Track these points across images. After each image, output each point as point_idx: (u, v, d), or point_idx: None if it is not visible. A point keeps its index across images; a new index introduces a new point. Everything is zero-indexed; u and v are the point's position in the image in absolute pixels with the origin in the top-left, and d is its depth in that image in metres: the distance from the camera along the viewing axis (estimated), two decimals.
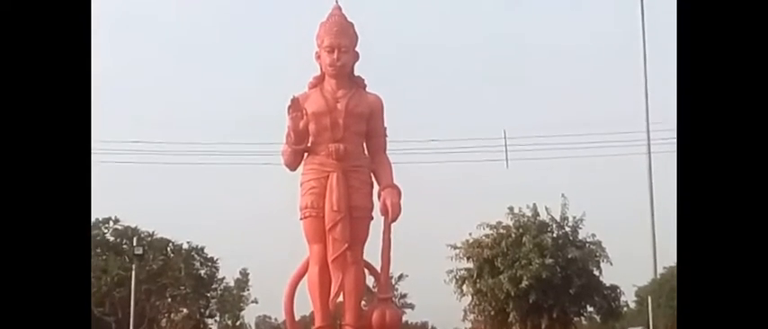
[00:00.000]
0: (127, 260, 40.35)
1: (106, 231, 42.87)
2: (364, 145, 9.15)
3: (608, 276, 35.05)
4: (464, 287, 35.34)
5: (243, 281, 48.43)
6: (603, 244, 34.64)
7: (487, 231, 34.91)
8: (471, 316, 36.76)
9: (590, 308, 35.66)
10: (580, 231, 34.72)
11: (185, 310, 44.20)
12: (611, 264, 34.53)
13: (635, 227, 40.04)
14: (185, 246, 43.93)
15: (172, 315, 44.21)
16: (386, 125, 9.22)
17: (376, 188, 9.09)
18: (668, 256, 34.11)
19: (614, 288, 35.47)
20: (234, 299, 47.38)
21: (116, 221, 43.02)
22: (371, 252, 9.05)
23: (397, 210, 8.94)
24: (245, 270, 48.43)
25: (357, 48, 9.16)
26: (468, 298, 35.50)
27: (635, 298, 39.42)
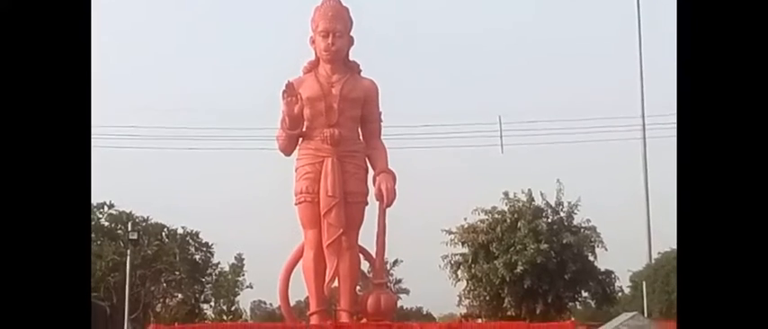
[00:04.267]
0: (121, 245, 40.28)
1: (101, 216, 42.78)
2: (359, 130, 9.14)
3: (603, 261, 35.05)
4: (459, 272, 35.33)
5: (238, 266, 48.30)
6: (598, 230, 34.60)
7: (482, 216, 34.85)
8: (466, 302, 36.75)
9: (585, 293, 35.69)
10: (575, 216, 34.69)
11: (180, 295, 44.18)
12: (606, 249, 34.51)
13: (630, 213, 40.11)
14: (180, 231, 43.86)
15: (167, 301, 44.20)
16: (381, 110, 9.22)
17: (371, 173, 9.08)
18: (663, 241, 34.18)
19: (609, 273, 35.48)
20: (229, 285, 47.28)
21: (111, 206, 42.91)
22: (366, 237, 9.06)
23: (392, 195, 8.94)
24: (240, 255, 48.27)
25: (352, 33, 9.14)
26: (463, 284, 35.47)
27: (630, 284, 39.44)
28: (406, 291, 50.68)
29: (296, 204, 8.97)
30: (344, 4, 9.15)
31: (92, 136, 6.02)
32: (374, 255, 9.07)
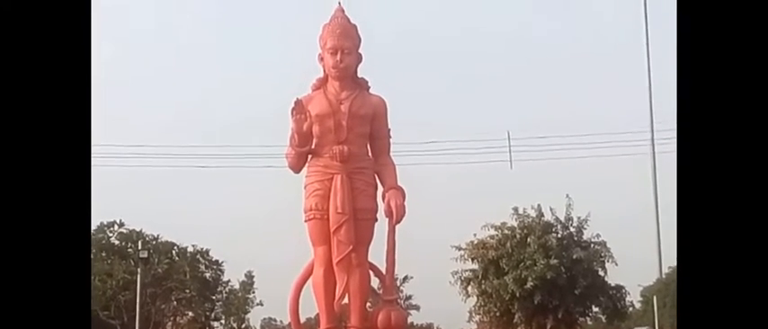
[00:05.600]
0: (132, 263, 40.42)
1: (111, 235, 42.95)
2: (368, 146, 9.16)
3: (613, 276, 35.09)
4: (469, 288, 35.37)
5: (248, 284, 48.47)
6: (608, 245, 34.68)
7: (492, 232, 34.94)
8: (477, 317, 36.82)
9: (595, 309, 35.70)
10: (585, 231, 34.76)
11: (191, 313, 44.30)
12: (616, 264, 34.56)
13: (640, 227, 40.17)
14: (190, 249, 44.01)
15: (177, 319, 44.32)
16: (389, 126, 9.24)
17: (380, 189, 9.09)
18: (673, 256, 34.09)
19: (619, 288, 35.48)
20: (239, 302, 47.43)
21: (121, 225, 43.09)
22: (376, 253, 9.06)
23: (402, 212, 8.94)
24: (250, 272, 48.47)
25: (360, 50, 9.18)
26: (474, 300, 35.54)
27: (640, 298, 39.41)
28: (417, 307, 50.72)
29: (305, 221, 8.98)
30: (353, 22, 9.18)
31: (103, 155, 6.04)
32: (384, 272, 9.08)
